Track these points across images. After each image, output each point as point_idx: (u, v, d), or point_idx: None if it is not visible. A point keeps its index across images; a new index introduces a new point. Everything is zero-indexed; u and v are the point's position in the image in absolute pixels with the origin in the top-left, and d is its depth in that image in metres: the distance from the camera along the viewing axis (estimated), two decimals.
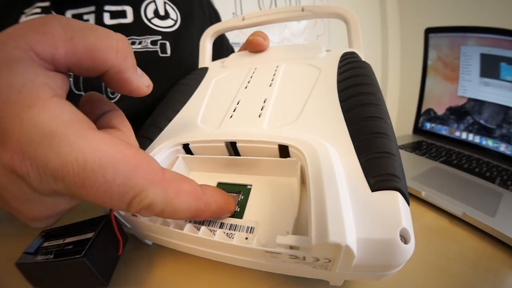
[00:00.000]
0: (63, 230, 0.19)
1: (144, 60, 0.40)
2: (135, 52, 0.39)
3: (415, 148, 0.49)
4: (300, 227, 0.16)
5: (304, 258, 0.13)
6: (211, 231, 0.17)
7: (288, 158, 0.19)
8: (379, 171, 0.15)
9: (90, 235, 0.17)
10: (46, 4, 0.38)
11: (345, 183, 0.15)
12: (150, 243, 0.22)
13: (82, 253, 0.16)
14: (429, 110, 0.59)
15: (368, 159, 0.16)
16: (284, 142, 0.18)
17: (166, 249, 0.21)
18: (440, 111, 0.57)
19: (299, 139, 0.18)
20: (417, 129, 0.61)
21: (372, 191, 0.15)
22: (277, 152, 0.19)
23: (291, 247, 0.13)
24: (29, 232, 0.22)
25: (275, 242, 0.13)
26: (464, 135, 0.53)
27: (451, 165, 0.41)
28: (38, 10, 0.38)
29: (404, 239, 0.13)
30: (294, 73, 0.28)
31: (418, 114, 0.61)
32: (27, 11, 0.38)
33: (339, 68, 0.26)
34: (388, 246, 0.13)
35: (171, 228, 0.17)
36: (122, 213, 0.19)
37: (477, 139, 0.51)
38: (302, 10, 0.33)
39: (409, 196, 0.15)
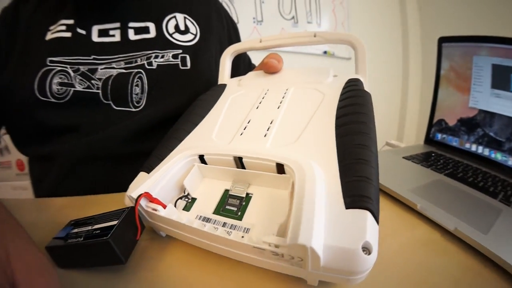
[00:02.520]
0: (90, 219, 0.24)
1: (166, 72, 0.44)
2: (158, 66, 0.45)
3: (422, 159, 0.49)
4: (286, 231, 0.19)
5: (282, 256, 0.17)
6: (214, 228, 0.21)
7: (283, 175, 0.23)
8: (355, 192, 0.19)
9: (114, 222, 0.22)
10: (71, 22, 0.42)
11: (324, 199, 0.19)
12: (164, 235, 0.27)
13: (108, 235, 0.20)
14: (440, 121, 0.59)
15: (348, 181, 0.20)
16: (280, 161, 0.22)
17: (177, 241, 0.25)
18: (452, 122, 0.57)
19: (293, 159, 0.22)
20: (429, 140, 0.60)
21: (346, 208, 0.18)
22: (274, 168, 0.23)
23: (273, 245, 0.17)
24: (56, 221, 0.27)
25: (261, 240, 0.17)
26: (473, 147, 0.52)
27: (455, 178, 0.42)
28: (63, 27, 0.42)
29: (367, 250, 0.16)
30: (301, 96, 0.32)
31: (430, 124, 0.60)
32: (52, 28, 0.42)
33: (341, 94, 0.29)
34: (351, 255, 0.16)
35: (183, 222, 0.21)
36: (144, 206, 0.23)
37: (486, 152, 0.50)
38: (315, 36, 0.37)
39: (378, 216, 0.19)
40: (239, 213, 0.23)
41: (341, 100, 0.29)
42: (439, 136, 0.59)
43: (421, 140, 0.62)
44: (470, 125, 0.53)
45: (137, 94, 0.42)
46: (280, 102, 0.31)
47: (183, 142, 0.29)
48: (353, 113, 0.26)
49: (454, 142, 0.56)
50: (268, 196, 0.23)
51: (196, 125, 0.31)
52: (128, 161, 0.29)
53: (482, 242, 0.26)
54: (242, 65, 0.56)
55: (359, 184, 0.19)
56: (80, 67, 0.40)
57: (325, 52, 1.67)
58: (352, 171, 0.20)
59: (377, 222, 0.18)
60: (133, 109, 0.42)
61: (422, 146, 0.60)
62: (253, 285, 0.21)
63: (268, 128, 0.27)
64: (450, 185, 0.40)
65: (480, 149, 0.52)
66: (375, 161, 0.22)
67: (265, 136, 0.26)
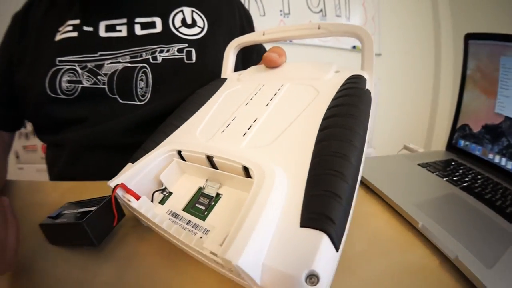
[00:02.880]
0: (82, 203, 0.26)
1: (171, 66, 0.45)
2: (163, 60, 0.45)
3: (439, 168, 0.45)
4: None
5: (222, 266, 0.17)
6: (172, 225, 0.21)
7: (248, 179, 0.22)
8: (315, 209, 0.17)
9: (94, 208, 0.23)
10: (77, 22, 0.44)
11: (277, 212, 0.17)
12: (145, 224, 0.28)
13: (83, 219, 0.22)
14: (464, 126, 0.53)
15: (312, 194, 0.18)
16: (245, 164, 0.21)
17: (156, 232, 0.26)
18: (476, 128, 0.50)
19: (257, 163, 0.21)
20: (451, 146, 0.55)
21: (301, 226, 0.16)
22: (241, 171, 0.22)
23: (211, 253, 0.17)
24: (60, 202, 0.29)
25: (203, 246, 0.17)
26: (497, 159, 0.46)
27: (471, 193, 0.37)
28: (70, 28, 0.44)
29: (315, 279, 0.14)
30: (294, 94, 0.30)
31: (453, 129, 0.55)
32: (61, 29, 0.44)
33: (337, 92, 0.27)
34: (291, 282, 0.14)
35: (148, 215, 0.22)
36: (121, 196, 0.24)
37: (509, 165, 0.44)
38: (319, 28, 0.34)
39: (339, 241, 0.16)
40: (205, 213, 0.23)
41: (334, 99, 0.26)
42: (462, 143, 0.53)
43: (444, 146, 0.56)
44: (495, 133, 0.47)
45: (142, 88, 0.44)
46: (271, 99, 0.30)
47: (170, 136, 0.30)
48: (340, 114, 0.23)
49: (477, 151, 0.50)
50: (236, 199, 0.23)
51: (186, 120, 0.32)
52: (130, 151, 0.31)
53: (483, 278, 0.23)
54: (255, 58, 0.55)
55: (323, 200, 0.17)
56: (88, 64, 0.42)
57: (354, 47, 1.56)
58: (320, 183, 0.18)
59: (336, 248, 0.16)
60: (138, 103, 0.44)
61: (443, 153, 0.54)
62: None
63: (250, 127, 0.27)
64: (464, 201, 0.35)
65: (503, 162, 0.45)
66: (352, 175, 0.19)
67: (244, 135, 0.26)
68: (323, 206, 0.17)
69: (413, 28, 1.70)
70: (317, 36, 0.35)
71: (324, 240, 0.15)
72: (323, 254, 0.15)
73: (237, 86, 0.35)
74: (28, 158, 1.25)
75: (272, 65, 0.36)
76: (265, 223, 0.16)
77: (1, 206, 0.22)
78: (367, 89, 0.27)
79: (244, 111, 0.29)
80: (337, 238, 0.16)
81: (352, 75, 0.29)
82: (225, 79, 0.38)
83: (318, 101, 0.27)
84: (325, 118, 0.24)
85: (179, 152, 0.27)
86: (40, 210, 0.29)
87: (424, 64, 1.75)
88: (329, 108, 0.25)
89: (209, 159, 0.24)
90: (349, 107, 0.24)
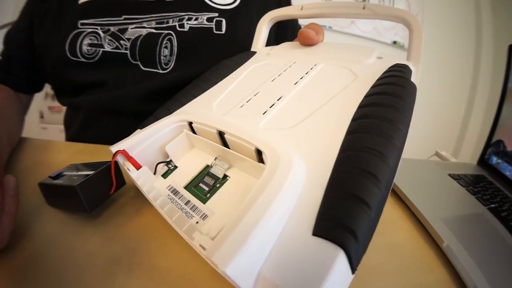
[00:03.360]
0: (86, 165, 0.25)
1: (198, 36, 0.42)
2: (190, 28, 0.42)
3: (470, 183, 0.39)
4: None
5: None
6: (166, 204, 0.19)
7: (260, 164, 0.18)
8: (335, 216, 0.13)
9: (92, 172, 0.21)
10: None
11: (286, 211, 0.14)
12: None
13: (77, 183, 0.20)
14: (499, 142, 0.47)
15: (334, 196, 0.14)
16: (259, 146, 0.18)
17: None
18: (510, 146, 0.45)
19: (273, 147, 0.17)
20: (483, 161, 0.49)
21: (313, 234, 0.13)
22: (254, 153, 0.19)
23: (199, 246, 0.14)
24: (68, 162, 0.28)
25: (191, 236, 0.14)
26: None
27: (498, 217, 0.32)
28: None
29: None
30: (328, 75, 0.26)
31: (488, 144, 0.49)
32: None
33: (378, 79, 0.23)
34: None
35: (143, 188, 0.19)
36: (122, 163, 0.22)
37: None
38: (363, 8, 0.29)
39: (357, 261, 0.13)
40: (208, 195, 0.20)
41: (374, 86, 0.22)
42: (495, 159, 0.47)
43: (475, 160, 0.51)
44: None
45: (165, 56, 0.41)
46: (301, 78, 0.26)
47: (185, 106, 0.27)
48: (381, 104, 0.19)
49: (508, 171, 0.43)
50: (244, 185, 0.20)
51: (205, 90, 0.29)
52: (145, 119, 0.29)
53: None
54: (289, 36, 0.50)
55: (346, 206, 0.13)
56: (111, 27, 0.40)
57: (394, 42, 1.44)
58: (346, 184, 0.14)
59: (353, 269, 0.13)
60: (161, 71, 0.41)
61: (474, 167, 0.48)
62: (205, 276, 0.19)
63: (272, 105, 0.23)
64: (491, 225, 0.31)
65: None
66: (386, 181, 0.15)
67: (264, 113, 0.22)
68: (345, 214, 0.13)
69: (454, 32, 1.60)
70: (361, 17, 0.30)
71: (340, 258, 0.12)
72: (336, 276, 0.12)
73: (265, 61, 0.31)
74: (52, 118, 1.30)
75: (307, 42, 0.32)
76: (269, 223, 0.13)
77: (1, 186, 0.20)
78: (412, 82, 0.22)
79: (269, 87, 0.26)
80: (356, 258, 0.13)
81: (397, 64, 0.25)
82: (254, 53, 0.35)
83: (355, 86, 0.23)
84: (361, 106, 0.20)
85: (190, 124, 0.24)
86: (47, 169, 0.28)
87: (462, 71, 1.65)
88: (367, 96, 0.21)
89: (221, 135, 0.21)
90: (392, 97, 0.19)
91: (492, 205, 0.35)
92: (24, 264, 0.19)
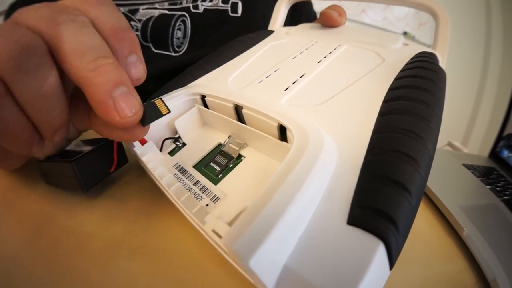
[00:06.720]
0: (89, 141, 0.22)
1: (213, 18, 0.39)
2: (205, 10, 0.39)
3: (484, 174, 0.39)
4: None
5: (226, 252, 0.12)
6: (185, 185, 0.17)
7: (283, 142, 0.16)
8: (372, 203, 0.11)
9: (91, 147, 0.19)
10: None
11: (317, 196, 0.12)
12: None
13: (74, 159, 0.18)
14: (510, 136, 0.48)
15: (370, 180, 0.12)
16: (283, 122, 0.16)
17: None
18: None
19: (300, 124, 0.15)
20: (494, 154, 0.49)
21: (348, 223, 0.11)
22: (275, 130, 0.17)
23: (214, 233, 0.12)
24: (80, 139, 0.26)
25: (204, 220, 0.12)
26: None
27: (511, 209, 0.31)
28: None
29: None
30: (353, 56, 0.24)
31: (499, 137, 0.49)
32: None
33: (407, 64, 0.21)
34: None
35: (148, 165, 0.17)
36: None
37: None
38: None
39: (397, 255, 0.11)
40: (219, 175, 0.18)
41: (403, 70, 0.20)
42: (506, 153, 0.47)
43: (485, 153, 0.51)
44: None
45: (178, 38, 0.39)
46: (324, 57, 0.24)
47: (197, 80, 0.25)
48: (415, 87, 0.17)
49: None
50: (261, 167, 0.18)
51: (219, 65, 0.26)
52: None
53: None
54: (304, 21, 0.48)
55: (385, 192, 0.12)
56: (121, 8, 0.38)
57: (405, 33, 1.39)
58: (383, 167, 0.13)
59: (391, 264, 0.11)
60: (173, 54, 0.39)
61: (485, 159, 0.48)
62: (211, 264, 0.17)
63: (295, 82, 0.21)
64: (505, 216, 0.30)
65: None
66: (426, 165, 0.13)
67: (286, 89, 0.20)
68: (384, 201, 0.11)
69: (465, 23, 1.57)
70: (386, 2, 0.28)
71: (380, 251, 0.10)
72: (375, 271, 0.10)
73: (285, 39, 0.29)
74: None
75: (330, 23, 0.30)
76: (298, 210, 0.11)
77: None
78: (442, 68, 0.20)
79: (290, 64, 0.24)
80: (397, 251, 0.11)
81: (424, 51, 0.23)
82: (271, 31, 0.32)
83: (384, 69, 0.21)
84: (392, 89, 0.18)
85: (203, 98, 0.22)
86: None
87: (472, 63, 1.64)
88: (397, 79, 0.19)
89: (237, 110, 0.19)
90: (425, 80, 0.18)
91: (506, 197, 0.34)
92: (16, 247, 0.17)
